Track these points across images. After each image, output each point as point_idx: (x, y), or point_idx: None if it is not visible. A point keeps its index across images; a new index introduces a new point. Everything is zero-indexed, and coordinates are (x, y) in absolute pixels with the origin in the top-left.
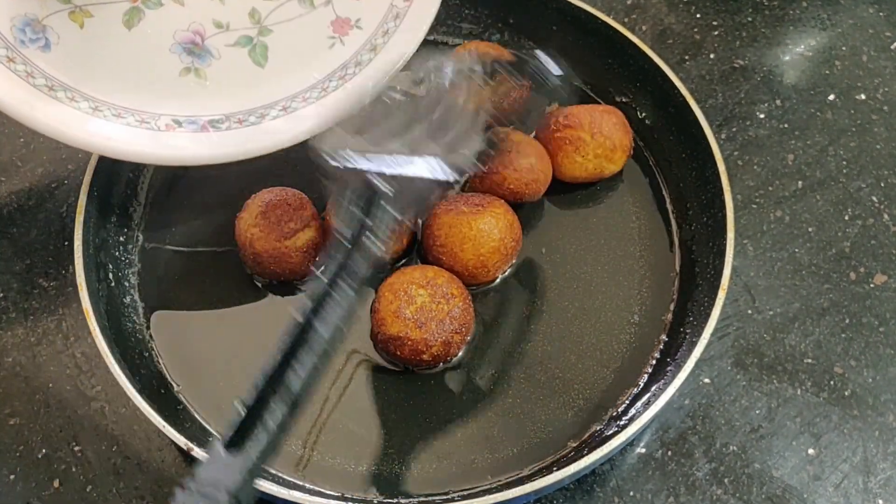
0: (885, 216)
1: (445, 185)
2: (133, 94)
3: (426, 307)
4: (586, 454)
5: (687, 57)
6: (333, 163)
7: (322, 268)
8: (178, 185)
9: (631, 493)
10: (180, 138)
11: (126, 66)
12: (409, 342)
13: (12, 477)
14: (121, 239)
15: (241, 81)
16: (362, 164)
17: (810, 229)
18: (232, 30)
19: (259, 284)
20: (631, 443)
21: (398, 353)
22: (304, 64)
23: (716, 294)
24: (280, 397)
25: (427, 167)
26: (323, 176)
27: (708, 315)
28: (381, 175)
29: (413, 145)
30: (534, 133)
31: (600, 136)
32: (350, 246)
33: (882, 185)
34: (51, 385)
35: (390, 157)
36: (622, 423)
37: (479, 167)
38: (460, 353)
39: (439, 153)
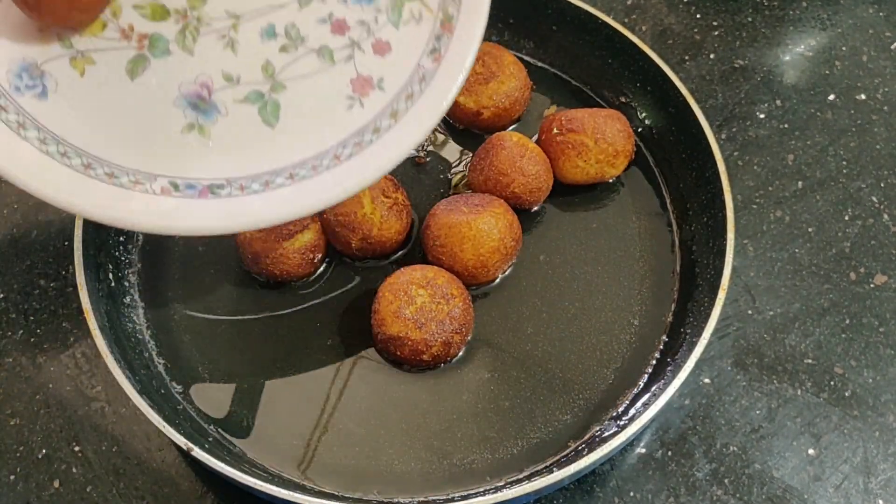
0: (885, 216)
1: None
2: (130, 151)
3: (426, 307)
4: (586, 454)
5: (687, 57)
6: None
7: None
8: None
9: (631, 493)
10: (176, 204)
11: (125, 119)
12: (410, 342)
13: (12, 477)
14: (121, 239)
15: (248, 142)
16: None
17: (810, 229)
18: (242, 83)
19: (259, 284)
20: (631, 443)
21: (398, 353)
22: (317, 126)
23: (716, 294)
24: None
25: None
26: None
27: (708, 315)
28: None
29: None
30: (536, 137)
31: (603, 141)
32: None
33: (882, 185)
34: (51, 385)
35: None
36: (622, 423)
37: None
38: (461, 353)
39: None
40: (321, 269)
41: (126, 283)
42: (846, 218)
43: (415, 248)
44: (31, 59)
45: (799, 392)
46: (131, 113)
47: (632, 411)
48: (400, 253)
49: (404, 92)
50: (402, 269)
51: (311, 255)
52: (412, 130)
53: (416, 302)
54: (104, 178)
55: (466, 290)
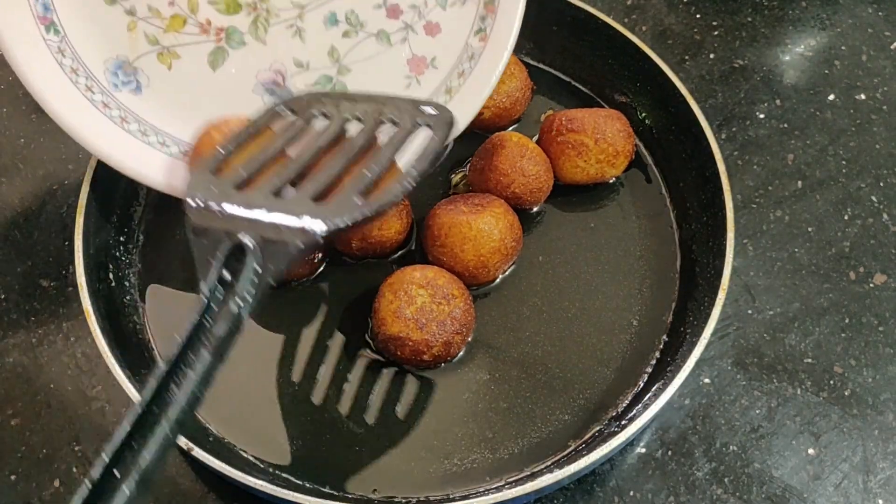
0: (885, 216)
1: (313, 244)
2: None
3: (427, 308)
4: (586, 454)
5: (687, 57)
6: (200, 210)
7: (182, 330)
8: None
9: (631, 493)
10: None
11: (211, 107)
12: (410, 343)
13: (13, 477)
14: (121, 239)
15: None
16: (230, 211)
17: (810, 229)
18: (312, 69)
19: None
20: (631, 443)
21: (398, 353)
22: None
23: (716, 294)
24: (129, 476)
25: (297, 222)
26: (189, 227)
27: (708, 315)
28: (247, 228)
29: (288, 205)
30: (536, 137)
31: (603, 141)
32: (208, 304)
33: (882, 184)
34: (52, 385)
35: (260, 211)
36: (622, 423)
37: (351, 227)
38: (461, 353)
39: (313, 212)
40: (321, 269)
41: (126, 283)
42: (846, 217)
43: (415, 248)
44: (124, 56)
45: (798, 391)
46: (216, 101)
47: (632, 411)
48: (400, 253)
49: (456, 70)
50: (403, 268)
51: (311, 256)
52: (466, 105)
53: (416, 302)
54: None
55: (467, 291)
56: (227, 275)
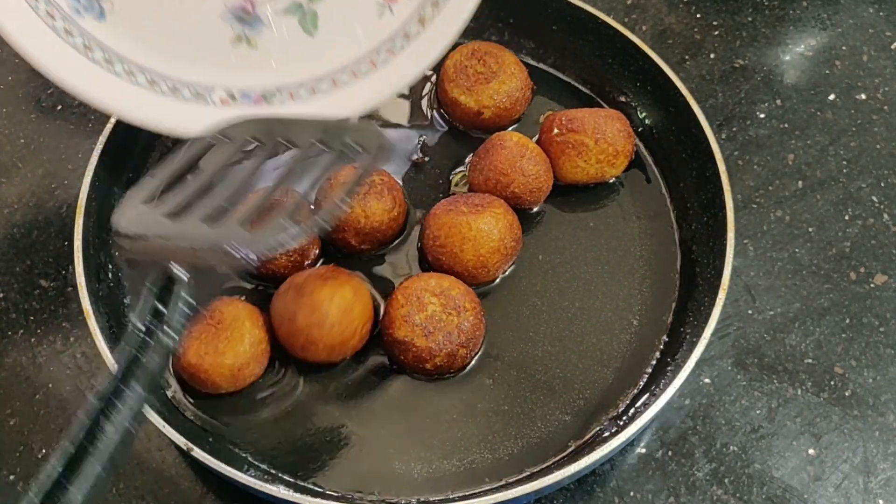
0: (886, 216)
1: (242, 269)
2: (186, 65)
3: (436, 316)
4: (586, 454)
5: (687, 57)
6: (130, 240)
7: (113, 362)
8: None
9: (631, 494)
10: (236, 114)
11: (179, 34)
12: (414, 349)
13: (12, 477)
14: None
15: (292, 51)
16: (160, 241)
17: (810, 229)
18: None
19: (259, 283)
20: (631, 443)
21: (402, 357)
22: (353, 33)
23: (716, 294)
24: None
25: (226, 248)
26: (122, 259)
27: (708, 315)
28: (177, 258)
29: (219, 232)
30: (536, 137)
31: (603, 141)
32: (143, 337)
33: (882, 184)
34: (51, 385)
35: (190, 239)
36: (622, 423)
37: (281, 251)
38: (468, 368)
39: (245, 240)
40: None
41: (126, 284)
42: (846, 218)
43: (405, 229)
44: None
45: (799, 392)
46: (183, 28)
47: (632, 411)
48: (396, 242)
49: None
50: (420, 274)
51: (300, 260)
52: (438, 38)
53: (426, 309)
54: (168, 94)
55: (480, 305)
56: (159, 306)
